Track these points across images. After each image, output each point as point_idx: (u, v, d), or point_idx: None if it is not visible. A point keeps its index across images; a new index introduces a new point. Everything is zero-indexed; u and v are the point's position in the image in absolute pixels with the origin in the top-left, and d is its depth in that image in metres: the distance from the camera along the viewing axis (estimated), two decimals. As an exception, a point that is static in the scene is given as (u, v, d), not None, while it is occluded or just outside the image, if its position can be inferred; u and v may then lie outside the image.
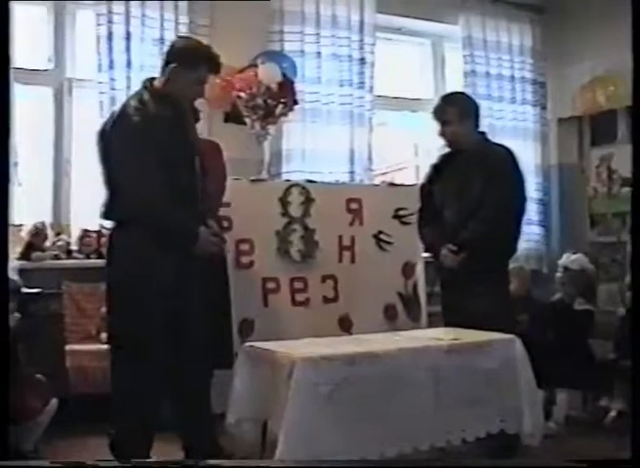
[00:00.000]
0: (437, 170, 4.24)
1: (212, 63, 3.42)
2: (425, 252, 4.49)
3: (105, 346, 4.14)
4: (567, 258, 4.86)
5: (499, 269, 4.04)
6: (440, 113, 4.10)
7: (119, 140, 3.25)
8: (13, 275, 3.86)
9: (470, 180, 3.95)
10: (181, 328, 3.40)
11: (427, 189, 4.25)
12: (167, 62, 3.37)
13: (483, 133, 4.22)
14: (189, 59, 3.35)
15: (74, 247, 4.85)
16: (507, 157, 4.05)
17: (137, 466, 3.04)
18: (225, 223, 4.41)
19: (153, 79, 3.43)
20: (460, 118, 4.05)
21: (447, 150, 4.21)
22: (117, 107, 3.44)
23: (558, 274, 4.83)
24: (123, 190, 3.25)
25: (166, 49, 3.49)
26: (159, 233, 3.25)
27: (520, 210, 4.07)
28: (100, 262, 3.91)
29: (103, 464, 3.19)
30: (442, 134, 4.11)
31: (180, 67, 3.33)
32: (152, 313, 3.25)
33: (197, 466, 3.27)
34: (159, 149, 3.21)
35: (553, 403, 4.32)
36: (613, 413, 4.33)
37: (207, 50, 3.48)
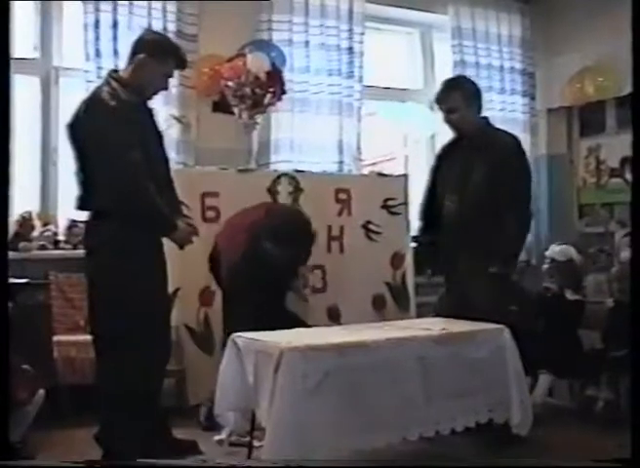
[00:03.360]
0: (441, 159, 4.17)
1: (180, 59, 3.51)
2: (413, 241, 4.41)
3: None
4: (553, 249, 4.85)
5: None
6: (445, 100, 3.99)
7: (96, 126, 3.22)
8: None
9: (473, 167, 3.88)
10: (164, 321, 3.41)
11: (431, 179, 4.17)
12: (135, 53, 3.39)
13: (485, 117, 4.14)
14: (160, 53, 3.40)
15: (61, 237, 4.81)
16: (514, 145, 3.97)
17: (144, 466, 3.03)
18: (213, 214, 4.40)
19: (116, 71, 3.46)
20: (466, 104, 3.96)
21: (449, 139, 4.13)
22: (86, 98, 3.41)
23: (545, 265, 4.82)
24: (102, 176, 3.22)
25: (134, 40, 3.50)
26: (139, 221, 3.23)
27: (529, 197, 4.02)
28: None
29: (114, 464, 3.19)
30: (448, 121, 4.02)
31: (150, 59, 3.36)
32: (133, 307, 3.23)
33: (200, 466, 3.27)
34: (136, 133, 3.22)
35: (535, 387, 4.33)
36: (601, 403, 4.34)
37: (176, 46, 3.61)
